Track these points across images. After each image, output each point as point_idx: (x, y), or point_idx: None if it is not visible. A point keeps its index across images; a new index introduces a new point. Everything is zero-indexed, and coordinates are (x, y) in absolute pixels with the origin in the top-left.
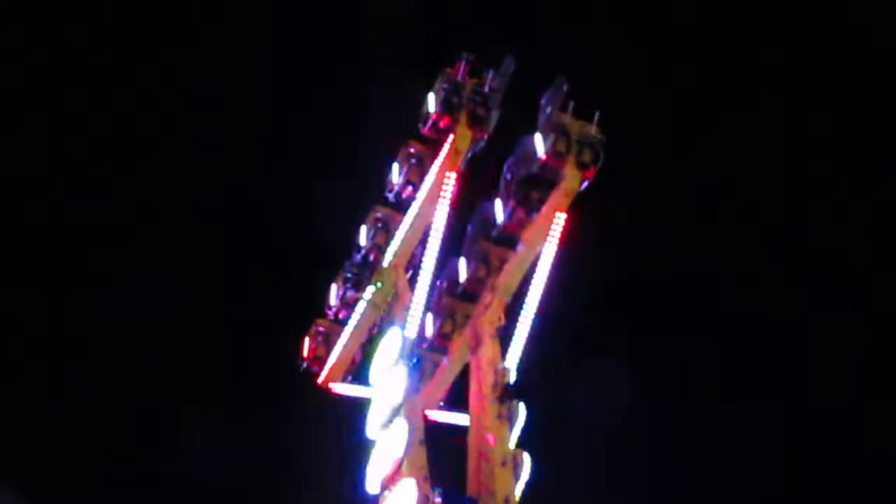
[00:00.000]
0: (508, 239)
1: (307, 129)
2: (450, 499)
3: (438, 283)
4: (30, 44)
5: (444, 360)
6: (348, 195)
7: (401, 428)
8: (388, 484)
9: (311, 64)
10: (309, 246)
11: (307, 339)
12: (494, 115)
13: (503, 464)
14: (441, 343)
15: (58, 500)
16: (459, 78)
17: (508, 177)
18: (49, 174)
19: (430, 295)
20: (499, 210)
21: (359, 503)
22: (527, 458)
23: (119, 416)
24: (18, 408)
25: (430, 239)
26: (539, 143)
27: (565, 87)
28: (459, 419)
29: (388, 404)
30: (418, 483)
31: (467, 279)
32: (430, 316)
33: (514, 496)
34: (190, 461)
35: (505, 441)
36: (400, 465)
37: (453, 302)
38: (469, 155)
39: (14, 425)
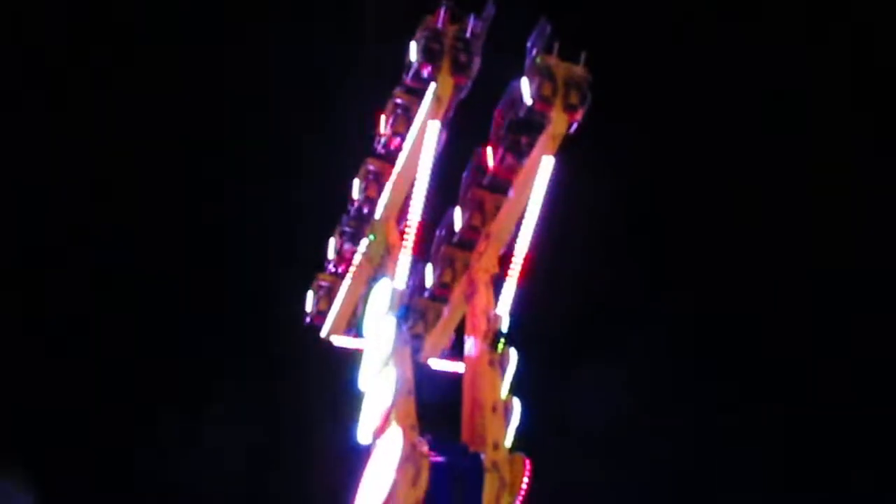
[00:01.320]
0: (500, 185)
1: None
2: (438, 446)
3: (438, 232)
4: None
5: (445, 310)
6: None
7: (389, 378)
8: (378, 434)
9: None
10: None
11: (310, 294)
12: (476, 61)
13: (493, 409)
14: (441, 292)
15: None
16: (440, 25)
17: (498, 123)
18: None
19: (431, 245)
20: (490, 157)
21: (352, 453)
22: (517, 403)
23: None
24: None
25: (414, 189)
26: (525, 88)
27: (548, 30)
28: (460, 367)
29: (377, 355)
30: (405, 432)
31: (463, 227)
32: (429, 266)
33: (503, 442)
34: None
35: (497, 387)
36: (388, 415)
37: (451, 250)
38: (455, 102)
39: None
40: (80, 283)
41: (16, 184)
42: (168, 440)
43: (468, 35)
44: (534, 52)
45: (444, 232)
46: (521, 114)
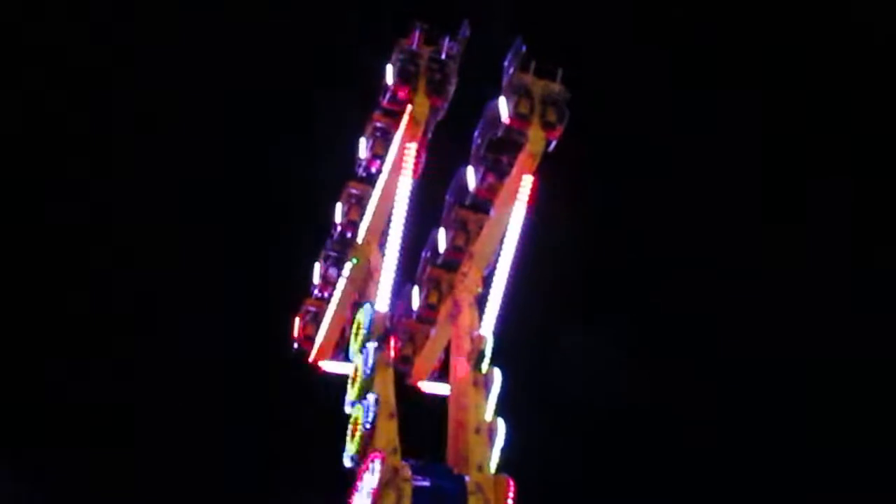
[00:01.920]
0: (482, 205)
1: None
2: (421, 469)
3: (423, 253)
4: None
5: (433, 331)
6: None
7: (370, 402)
8: (361, 458)
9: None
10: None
11: (297, 320)
12: (453, 81)
13: (477, 431)
14: (428, 314)
15: None
16: (414, 47)
17: (478, 142)
18: None
19: (415, 266)
20: (470, 177)
21: (338, 478)
22: (502, 424)
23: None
24: None
25: (394, 211)
26: (503, 107)
27: (523, 48)
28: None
29: (360, 379)
30: (385, 456)
31: (447, 248)
32: (416, 288)
33: (487, 463)
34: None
35: (481, 408)
36: (370, 439)
37: (436, 272)
38: (433, 123)
39: None
40: None
41: None
42: None
43: (443, 56)
44: (510, 70)
45: (428, 253)
46: (500, 133)
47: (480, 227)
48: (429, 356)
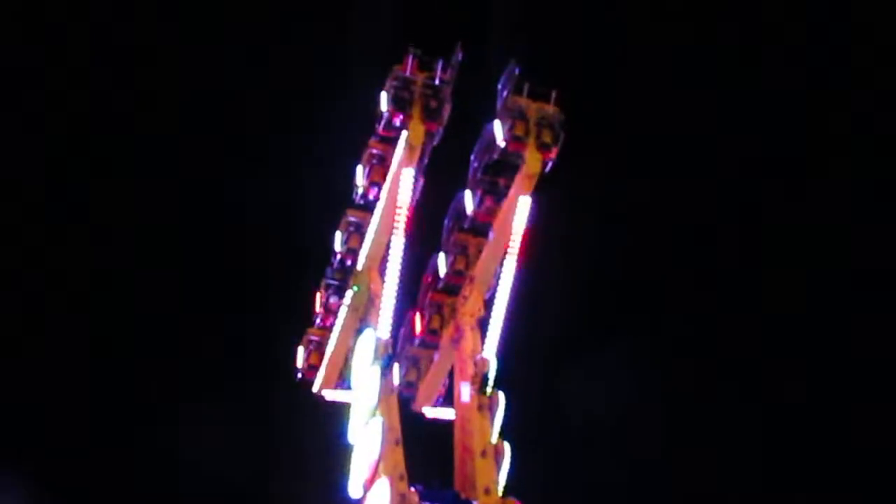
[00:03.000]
0: (481, 228)
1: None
2: (428, 494)
3: (424, 278)
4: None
5: (435, 356)
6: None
7: (376, 428)
8: (368, 486)
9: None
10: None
11: (300, 349)
12: (447, 107)
13: (483, 454)
14: (431, 339)
15: None
16: (408, 73)
17: (475, 166)
18: None
19: (416, 291)
20: (468, 200)
21: None
22: (507, 448)
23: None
24: None
25: (392, 238)
26: (498, 130)
27: (517, 71)
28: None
29: (364, 406)
30: (393, 482)
31: (447, 272)
32: (418, 314)
33: (495, 487)
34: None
35: (486, 432)
36: (377, 466)
37: (438, 296)
38: (429, 148)
39: None
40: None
41: None
42: None
43: (437, 81)
44: (504, 93)
45: (429, 278)
46: (496, 155)
47: (480, 251)
48: (433, 381)
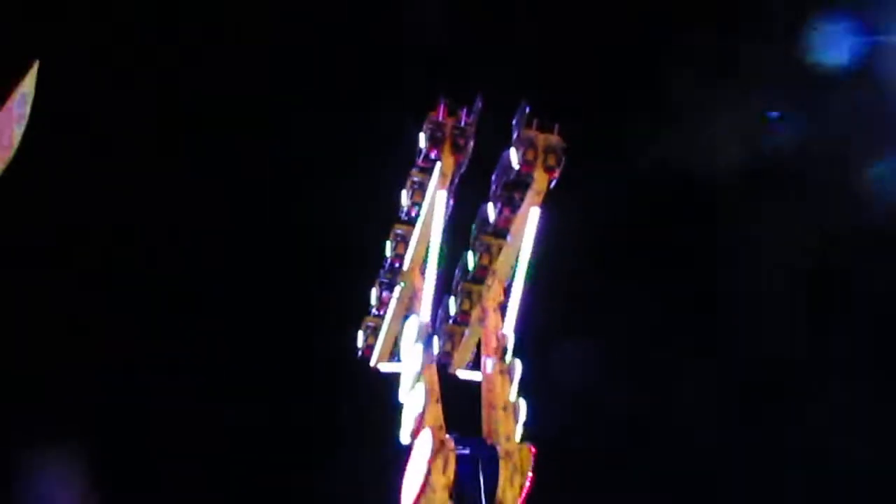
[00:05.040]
0: (501, 232)
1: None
2: (462, 440)
3: (457, 272)
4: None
5: (466, 332)
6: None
7: (420, 391)
8: (415, 435)
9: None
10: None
11: (360, 333)
12: (471, 143)
13: (504, 409)
14: (463, 318)
15: None
16: (440, 118)
17: (496, 184)
18: None
19: (453, 282)
20: (491, 211)
21: (397, 453)
22: (523, 404)
23: None
24: None
25: (431, 244)
26: (513, 156)
27: (527, 109)
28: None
29: (411, 374)
30: (434, 431)
31: (475, 266)
32: (452, 298)
33: (513, 435)
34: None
35: (506, 391)
36: (422, 419)
37: (468, 285)
38: (458, 175)
39: None
40: None
41: None
42: None
43: (462, 124)
44: (518, 127)
45: (460, 272)
46: (512, 176)
47: (500, 249)
48: (464, 351)
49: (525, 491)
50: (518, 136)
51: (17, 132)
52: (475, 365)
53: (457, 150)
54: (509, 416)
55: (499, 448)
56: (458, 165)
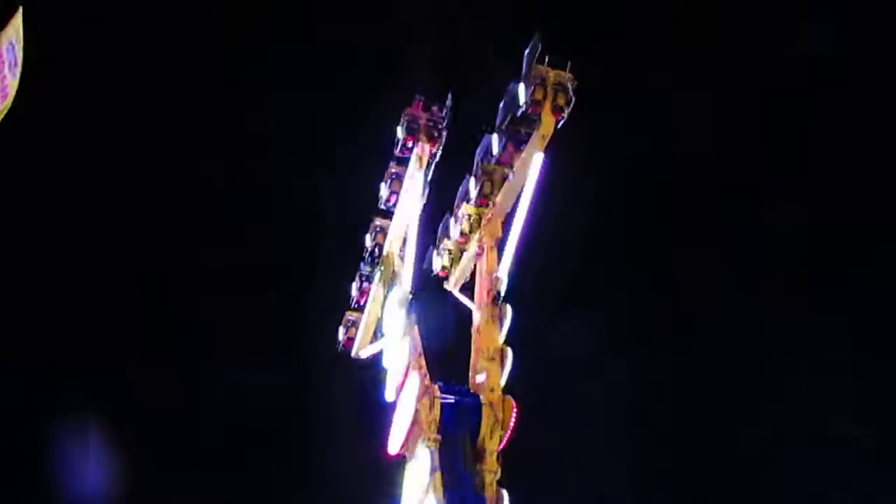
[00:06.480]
0: (504, 163)
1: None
2: (446, 388)
3: (457, 197)
4: None
5: (465, 256)
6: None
7: (405, 345)
8: (401, 387)
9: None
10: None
11: (341, 328)
12: (444, 133)
13: (491, 358)
14: (463, 240)
15: None
16: (416, 112)
17: (501, 115)
18: None
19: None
20: (495, 143)
21: (384, 407)
22: (510, 352)
23: None
24: None
25: (409, 225)
26: (521, 93)
27: (539, 45)
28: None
29: (397, 332)
30: (420, 376)
31: (476, 194)
32: (451, 220)
33: (498, 386)
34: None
35: (495, 338)
36: (408, 369)
37: (469, 209)
38: (433, 163)
39: None
40: None
41: None
42: None
43: (436, 117)
44: (528, 62)
45: (461, 195)
46: (519, 113)
47: (503, 179)
48: (462, 270)
49: (504, 442)
50: (528, 71)
51: (12, 81)
52: (468, 287)
53: (431, 138)
54: (496, 366)
55: (482, 398)
56: (432, 155)
